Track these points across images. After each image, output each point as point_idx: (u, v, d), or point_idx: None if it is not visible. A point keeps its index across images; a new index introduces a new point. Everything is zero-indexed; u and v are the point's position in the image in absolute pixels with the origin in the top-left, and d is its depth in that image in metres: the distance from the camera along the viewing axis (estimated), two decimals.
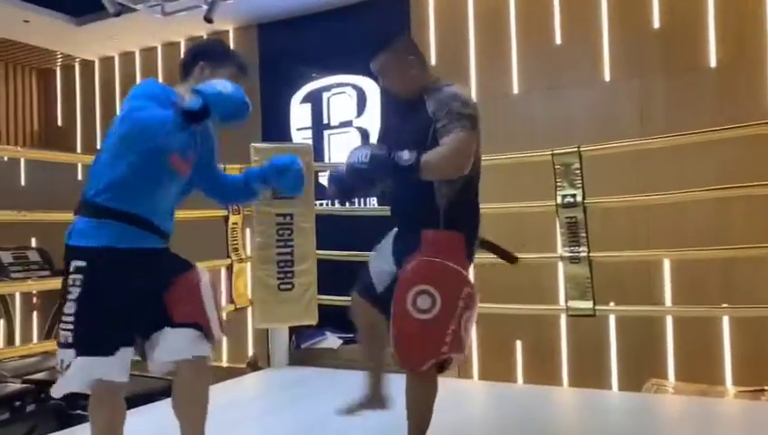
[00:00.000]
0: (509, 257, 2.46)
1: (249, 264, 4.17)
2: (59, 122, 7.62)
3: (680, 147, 3.73)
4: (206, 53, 2.15)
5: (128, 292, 1.96)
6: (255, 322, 4.09)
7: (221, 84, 1.84)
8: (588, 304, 3.53)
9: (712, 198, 3.71)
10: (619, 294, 4.09)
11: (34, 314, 7.21)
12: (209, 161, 2.26)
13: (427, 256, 2.12)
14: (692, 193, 3.53)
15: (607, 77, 4.58)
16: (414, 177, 2.02)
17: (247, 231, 4.52)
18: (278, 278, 3.94)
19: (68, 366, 1.92)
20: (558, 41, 4.75)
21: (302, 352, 4.44)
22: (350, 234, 4.65)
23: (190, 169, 2.10)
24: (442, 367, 2.17)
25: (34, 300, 7.17)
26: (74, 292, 1.94)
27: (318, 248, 4.15)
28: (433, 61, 5.11)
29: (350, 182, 2.08)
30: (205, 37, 6.33)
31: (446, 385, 3.87)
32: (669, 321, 4.35)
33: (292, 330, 4.41)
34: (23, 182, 7.54)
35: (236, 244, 4.16)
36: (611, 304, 3.96)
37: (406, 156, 2.01)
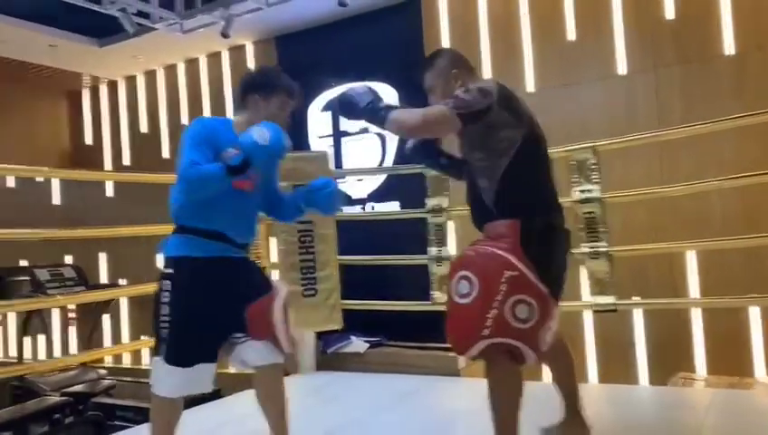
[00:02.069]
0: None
1: (273, 271, 4.24)
2: (88, 141, 7.83)
3: (699, 137, 3.69)
4: (257, 86, 2.34)
5: (211, 297, 2.21)
6: None
7: (259, 134, 2.08)
8: (609, 299, 3.52)
9: (734, 186, 3.67)
10: (643, 287, 4.07)
11: (72, 328, 7.43)
12: (270, 182, 2.49)
13: (474, 246, 2.21)
14: (707, 183, 3.51)
15: (622, 71, 4.57)
16: (383, 126, 2.22)
17: (271, 239, 4.60)
18: (302, 284, 4.02)
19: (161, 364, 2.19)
20: (571, 37, 4.74)
21: (330, 357, 4.50)
22: (371, 238, 4.73)
23: (254, 184, 2.30)
24: (516, 359, 2.14)
25: (71, 315, 7.39)
26: (165, 296, 2.21)
27: (340, 254, 4.21)
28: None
29: (341, 112, 2.29)
30: (225, 52, 6.48)
31: (467, 384, 3.93)
32: (696, 313, 4.30)
33: (319, 335, 4.48)
34: (56, 201, 7.77)
35: (260, 252, 4.25)
36: (635, 298, 3.94)
37: (382, 104, 2.22)
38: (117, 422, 5.00)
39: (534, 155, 2.29)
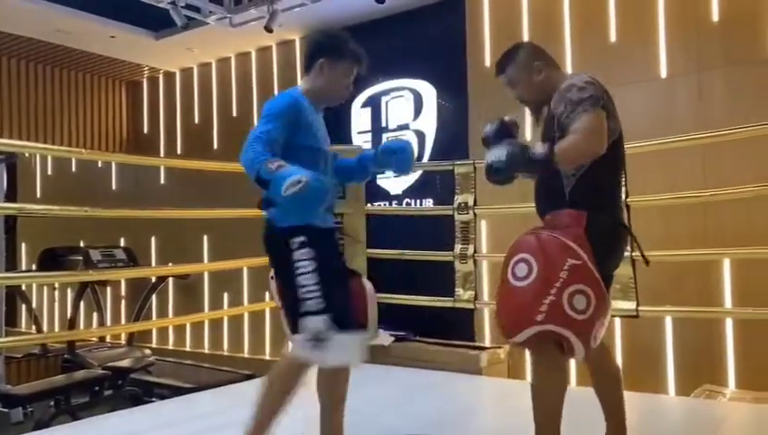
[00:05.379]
0: (645, 258, 2.41)
1: None
2: (145, 130, 8.17)
3: (741, 141, 3.58)
4: (325, 49, 2.26)
5: (339, 263, 2.22)
6: None
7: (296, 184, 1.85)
8: (631, 305, 3.48)
9: None
10: (679, 296, 3.97)
11: (122, 304, 7.82)
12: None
13: (535, 231, 2.15)
14: (750, 190, 3.41)
15: (664, 74, 4.46)
16: (552, 167, 2.07)
17: None
18: None
19: (326, 332, 2.02)
20: (613, 38, 4.66)
21: None
22: (404, 234, 4.79)
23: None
24: (564, 352, 2.06)
25: (122, 293, 7.80)
26: (307, 265, 2.05)
27: (369, 247, 4.28)
28: (487, 63, 5.14)
29: (494, 179, 2.13)
30: (274, 47, 6.64)
31: (488, 382, 3.91)
32: (729, 325, 4.17)
33: None
34: (114, 186, 8.14)
35: None
36: (667, 306, 3.86)
37: (539, 149, 2.05)
38: (153, 399, 5.25)
39: (621, 150, 2.26)
